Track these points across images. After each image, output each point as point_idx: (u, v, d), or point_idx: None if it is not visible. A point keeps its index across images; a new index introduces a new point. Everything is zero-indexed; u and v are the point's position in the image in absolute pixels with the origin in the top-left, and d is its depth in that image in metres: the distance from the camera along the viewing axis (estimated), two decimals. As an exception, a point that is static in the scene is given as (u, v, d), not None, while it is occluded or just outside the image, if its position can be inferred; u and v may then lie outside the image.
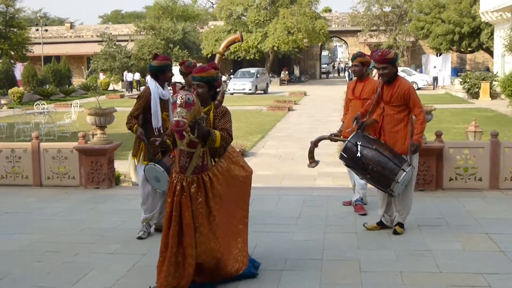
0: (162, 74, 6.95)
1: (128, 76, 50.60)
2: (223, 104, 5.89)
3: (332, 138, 7.48)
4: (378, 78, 7.15)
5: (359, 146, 6.64)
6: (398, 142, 6.81)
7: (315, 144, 7.30)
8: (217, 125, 5.40)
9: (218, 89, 5.62)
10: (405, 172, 6.51)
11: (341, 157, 6.91)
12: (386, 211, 7.15)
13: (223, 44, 7.40)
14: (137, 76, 50.55)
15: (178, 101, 4.93)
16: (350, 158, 6.77)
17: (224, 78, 47.38)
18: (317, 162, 7.31)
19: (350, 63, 8.41)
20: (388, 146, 6.77)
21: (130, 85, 50.07)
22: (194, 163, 5.28)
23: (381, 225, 7.19)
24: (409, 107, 6.81)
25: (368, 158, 6.60)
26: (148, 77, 7.23)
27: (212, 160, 5.43)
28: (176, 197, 5.28)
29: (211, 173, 5.32)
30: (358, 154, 6.62)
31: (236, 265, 5.47)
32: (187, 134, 5.04)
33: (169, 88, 7.22)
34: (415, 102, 6.77)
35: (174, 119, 4.88)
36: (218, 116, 5.44)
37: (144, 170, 6.79)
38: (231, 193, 5.47)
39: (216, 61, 7.31)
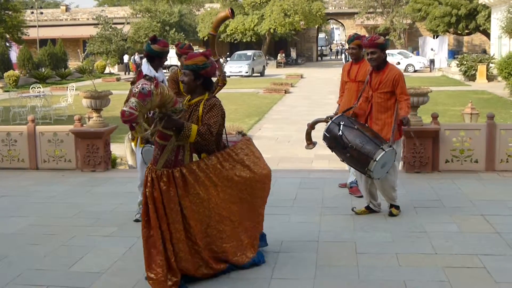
0: (159, 59, 6.92)
1: (125, 58, 50.59)
2: (217, 94, 5.63)
3: (329, 120, 7.48)
4: None
5: (341, 125, 6.62)
6: (383, 130, 6.81)
7: (311, 126, 7.31)
8: (203, 119, 5.07)
9: (214, 78, 5.35)
10: (384, 151, 6.39)
11: (324, 137, 6.85)
12: (372, 198, 7.17)
13: (214, 23, 7.24)
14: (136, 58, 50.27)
15: (134, 90, 4.65)
16: (332, 137, 6.72)
17: (221, 60, 47.17)
18: (314, 144, 7.33)
19: (347, 46, 8.38)
20: (371, 128, 6.77)
21: (127, 67, 50.13)
22: (165, 157, 5.03)
23: (369, 210, 7.21)
24: (396, 95, 6.80)
25: (349, 137, 6.55)
26: (144, 60, 7.15)
27: (198, 156, 5.20)
28: (148, 189, 5.04)
29: (187, 169, 5.03)
30: (340, 133, 6.59)
31: (205, 271, 5.22)
32: (139, 127, 4.67)
33: (164, 71, 7.19)
34: (403, 89, 6.76)
35: (122, 108, 4.61)
36: (205, 110, 5.09)
37: (141, 153, 6.80)
38: (222, 195, 5.18)
39: (210, 43, 7.24)
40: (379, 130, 6.81)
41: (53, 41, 48.51)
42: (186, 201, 5.02)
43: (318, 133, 7.01)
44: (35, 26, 53.93)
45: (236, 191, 5.25)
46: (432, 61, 45.97)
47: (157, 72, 6.90)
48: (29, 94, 22.80)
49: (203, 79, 5.16)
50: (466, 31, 46.00)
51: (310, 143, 7.34)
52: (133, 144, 7.26)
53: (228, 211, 5.25)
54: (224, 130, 5.38)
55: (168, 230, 5.02)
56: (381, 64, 6.83)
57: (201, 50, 5.61)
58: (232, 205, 5.26)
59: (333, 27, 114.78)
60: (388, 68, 6.84)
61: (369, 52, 6.77)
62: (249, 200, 5.39)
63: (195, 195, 5.04)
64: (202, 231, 5.13)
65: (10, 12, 46.05)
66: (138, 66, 47.99)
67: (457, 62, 36.00)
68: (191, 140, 4.95)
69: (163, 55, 6.89)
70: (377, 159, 6.39)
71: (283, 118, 19.83)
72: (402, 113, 6.68)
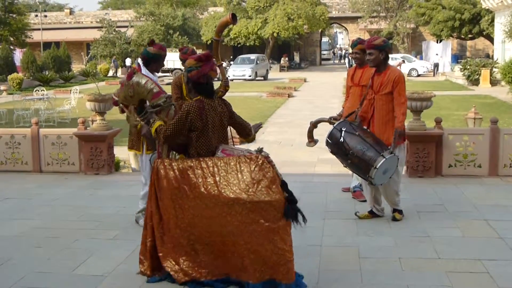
0: (155, 63, 6.80)
1: (128, 62, 50.73)
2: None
3: (331, 121, 7.49)
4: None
5: (343, 132, 6.63)
6: (385, 134, 6.81)
7: (314, 125, 7.35)
8: None
9: (214, 79, 5.32)
10: (384, 159, 6.36)
11: (327, 143, 6.89)
12: (376, 203, 7.16)
13: (216, 29, 7.23)
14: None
15: None
16: (334, 144, 6.75)
17: (224, 64, 47.18)
18: (316, 142, 7.36)
19: (350, 50, 8.43)
20: (372, 134, 6.77)
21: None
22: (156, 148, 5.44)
23: (372, 214, 7.20)
24: (394, 97, 6.80)
25: (350, 144, 6.56)
26: (140, 63, 7.02)
27: (175, 154, 5.29)
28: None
29: (160, 163, 5.12)
30: (341, 139, 6.61)
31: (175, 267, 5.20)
32: (120, 109, 6.01)
33: (168, 75, 7.14)
34: (401, 90, 6.76)
35: None
36: None
37: (150, 160, 6.60)
38: (192, 202, 4.97)
39: (213, 48, 7.20)
40: (381, 133, 6.80)
41: (57, 44, 48.58)
42: (158, 192, 5.15)
43: (322, 137, 7.00)
44: (39, 29, 54.09)
45: (206, 203, 4.93)
46: (436, 65, 45.95)
47: (152, 74, 6.78)
48: (33, 97, 22.83)
49: (191, 82, 5.21)
50: (470, 35, 46.03)
51: (312, 140, 7.40)
52: (135, 152, 7.04)
53: (183, 225, 5.06)
54: (206, 136, 5.13)
55: (151, 214, 5.23)
56: (380, 66, 6.86)
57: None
58: (192, 219, 5.00)
59: (336, 31, 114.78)
60: (389, 70, 6.87)
61: (367, 53, 6.86)
62: (220, 221, 4.92)
63: (164, 191, 5.10)
64: (172, 224, 5.12)
65: (14, 15, 46.24)
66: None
67: (461, 67, 35.96)
68: (153, 135, 5.25)
69: (159, 58, 6.77)
70: (377, 167, 6.38)
71: (286, 122, 19.83)
72: (396, 123, 6.71)
